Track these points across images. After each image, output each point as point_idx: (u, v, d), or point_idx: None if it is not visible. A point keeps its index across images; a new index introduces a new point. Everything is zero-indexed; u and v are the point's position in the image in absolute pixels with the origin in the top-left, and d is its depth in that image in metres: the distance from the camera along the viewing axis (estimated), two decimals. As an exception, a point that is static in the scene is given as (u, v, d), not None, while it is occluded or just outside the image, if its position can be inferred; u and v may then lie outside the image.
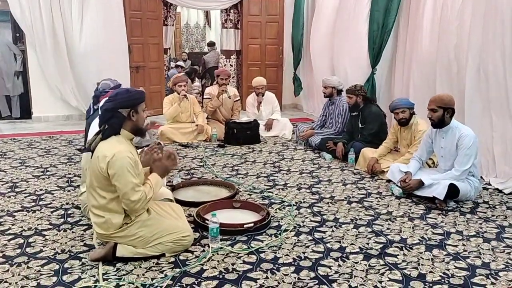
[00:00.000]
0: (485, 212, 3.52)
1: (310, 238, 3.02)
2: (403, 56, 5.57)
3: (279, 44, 8.50)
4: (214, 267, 2.60)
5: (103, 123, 2.60)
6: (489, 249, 2.87)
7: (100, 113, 2.67)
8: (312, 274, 2.53)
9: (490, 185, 4.15)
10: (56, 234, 3.03)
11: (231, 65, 8.78)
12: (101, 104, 2.81)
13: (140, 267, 2.59)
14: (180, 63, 10.57)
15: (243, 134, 5.79)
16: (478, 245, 2.93)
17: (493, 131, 4.18)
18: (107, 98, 2.71)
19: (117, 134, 2.61)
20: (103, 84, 3.91)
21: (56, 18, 6.88)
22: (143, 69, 7.75)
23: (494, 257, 2.76)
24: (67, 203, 3.64)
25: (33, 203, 3.63)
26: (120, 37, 7.22)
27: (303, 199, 3.80)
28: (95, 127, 3.13)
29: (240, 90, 8.50)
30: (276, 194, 3.90)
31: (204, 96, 6.51)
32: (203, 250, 2.80)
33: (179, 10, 13.35)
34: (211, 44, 10.96)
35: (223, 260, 2.69)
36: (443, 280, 2.48)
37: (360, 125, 4.99)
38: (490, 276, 2.53)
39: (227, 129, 5.86)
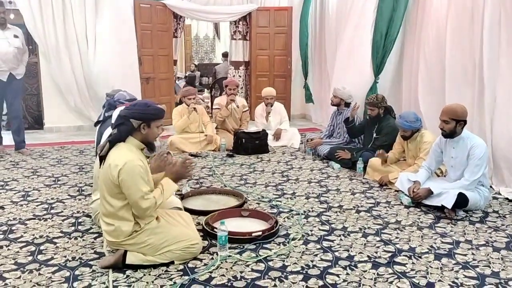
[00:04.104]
0: (494, 222, 3.50)
1: (318, 246, 3.02)
2: (410, 65, 5.58)
3: (287, 55, 8.55)
4: (223, 275, 2.61)
5: (114, 127, 2.68)
6: (498, 258, 2.85)
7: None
8: (321, 283, 2.53)
9: (500, 194, 4.12)
10: (67, 242, 3.07)
11: (239, 76, 8.85)
12: (118, 109, 2.89)
13: (149, 274, 2.61)
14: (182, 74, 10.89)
15: (251, 144, 5.82)
16: (488, 254, 2.91)
17: (502, 141, 4.17)
18: (128, 105, 2.79)
19: (122, 141, 2.65)
20: (119, 94, 3.99)
21: (69, 30, 7.03)
22: (153, 80, 7.85)
23: (504, 266, 2.74)
24: (78, 212, 3.68)
25: (45, 212, 3.68)
26: (131, 49, 7.35)
27: (312, 208, 3.81)
28: (107, 136, 3.18)
29: (248, 100, 8.55)
30: (284, 203, 3.92)
31: (214, 107, 6.57)
32: (212, 258, 2.82)
33: (189, 23, 13.52)
34: (225, 55, 11.20)
35: (231, 268, 2.70)
36: (452, 289, 2.48)
37: (374, 134, 5.00)
38: (499, 286, 2.51)
39: (236, 139, 5.89)
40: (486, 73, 4.24)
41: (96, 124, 4.08)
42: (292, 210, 3.73)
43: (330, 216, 3.61)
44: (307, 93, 8.50)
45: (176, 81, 10.26)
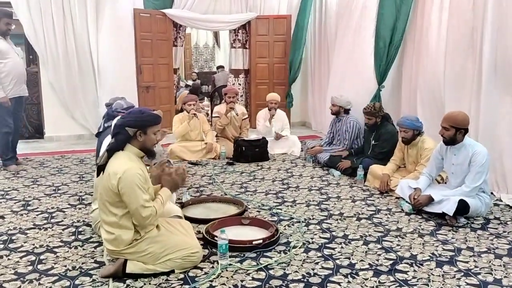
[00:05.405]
0: (496, 228, 3.49)
1: (319, 254, 3.01)
2: (410, 73, 5.59)
3: (286, 62, 8.58)
4: (223, 284, 2.60)
5: (112, 137, 2.69)
6: (500, 265, 2.84)
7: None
8: (322, 291, 2.52)
9: (501, 201, 4.11)
10: (67, 251, 3.06)
11: (239, 84, 8.88)
12: (116, 119, 2.90)
13: (149, 283, 2.60)
14: (188, 82, 10.90)
15: (251, 152, 5.82)
16: (490, 261, 2.90)
17: (504, 147, 4.17)
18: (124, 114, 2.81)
19: (121, 150, 2.67)
20: (116, 103, 4.01)
21: (69, 39, 7.07)
22: (153, 88, 7.87)
23: (506, 273, 2.73)
24: (78, 221, 3.67)
25: (45, 221, 3.68)
26: (130, 58, 7.41)
27: (312, 215, 3.80)
28: (106, 144, 3.19)
29: (248, 108, 8.58)
30: (285, 211, 3.91)
31: (213, 115, 6.58)
32: (212, 267, 2.81)
33: (188, 31, 13.59)
34: (220, 67, 11.60)
35: (232, 276, 2.69)
36: (454, 297, 2.46)
37: (373, 142, 5.01)
38: (502, 293, 2.51)
39: (236, 146, 5.89)
40: (485, 82, 4.25)
41: (97, 135, 4.10)
42: (293, 218, 3.72)
43: (331, 223, 3.61)
44: (289, 100, 8.51)
45: (177, 92, 10.27)
